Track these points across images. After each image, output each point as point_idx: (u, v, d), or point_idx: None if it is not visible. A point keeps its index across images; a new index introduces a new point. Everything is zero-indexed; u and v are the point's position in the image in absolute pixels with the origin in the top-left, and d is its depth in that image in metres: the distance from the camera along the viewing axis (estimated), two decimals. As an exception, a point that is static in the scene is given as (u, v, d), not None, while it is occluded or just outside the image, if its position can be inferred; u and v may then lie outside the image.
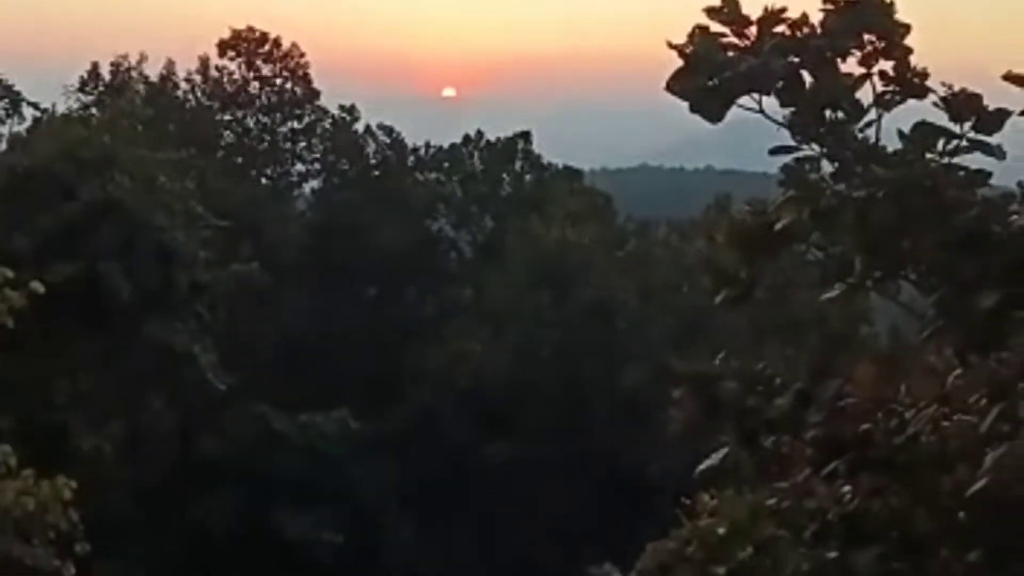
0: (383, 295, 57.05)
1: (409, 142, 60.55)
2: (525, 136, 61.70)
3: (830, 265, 6.08)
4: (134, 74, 55.62)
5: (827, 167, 5.74)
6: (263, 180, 59.65)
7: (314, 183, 60.76)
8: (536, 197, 58.10)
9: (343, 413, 44.57)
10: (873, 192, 5.53)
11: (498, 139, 61.64)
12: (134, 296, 32.61)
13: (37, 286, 14.45)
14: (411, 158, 60.54)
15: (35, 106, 47.85)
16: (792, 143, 5.68)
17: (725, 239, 6.37)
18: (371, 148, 59.70)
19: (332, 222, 56.06)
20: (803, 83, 5.51)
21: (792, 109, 5.58)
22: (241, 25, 58.99)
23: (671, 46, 5.39)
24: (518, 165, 61.83)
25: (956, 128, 5.52)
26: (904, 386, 6.51)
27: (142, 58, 56.01)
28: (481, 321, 52.89)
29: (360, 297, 56.62)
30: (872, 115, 5.60)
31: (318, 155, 60.07)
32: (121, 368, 34.03)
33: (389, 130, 60.04)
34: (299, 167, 60.57)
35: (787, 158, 5.75)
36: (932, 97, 5.57)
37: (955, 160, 5.56)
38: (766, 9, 5.42)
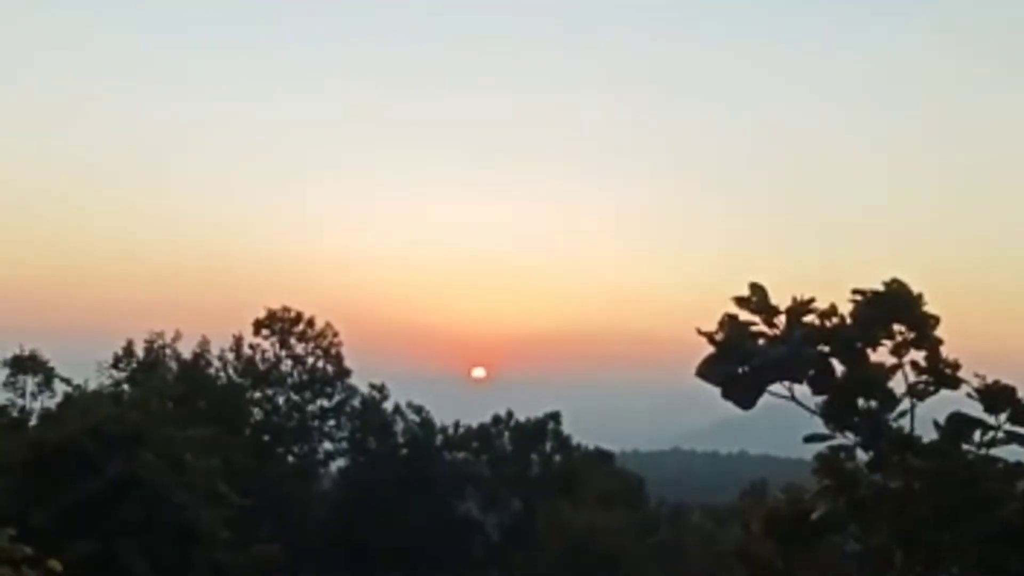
0: (407, 579, 55.73)
1: (438, 421, 60.80)
2: (555, 417, 61.83)
3: (869, 557, 5.90)
4: (168, 351, 56.78)
5: (862, 455, 5.66)
6: (290, 458, 59.63)
7: (341, 461, 60.68)
8: (566, 479, 57.59)
9: None
10: (910, 483, 5.44)
11: (528, 419, 61.74)
12: (152, 575, 31.96)
13: (55, 565, 14.17)
14: (439, 437, 60.58)
15: (67, 382, 48.68)
16: (826, 431, 5.63)
17: (761, 528, 6.23)
18: (400, 427, 59.91)
19: (357, 502, 55.53)
20: (834, 372, 5.50)
21: (824, 397, 5.54)
22: (276, 304, 60.60)
23: (701, 333, 5.43)
24: (548, 446, 61.67)
25: (991, 419, 5.47)
26: None
27: (177, 335, 57.41)
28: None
29: (383, 579, 55.31)
30: (905, 404, 5.56)
31: (346, 433, 60.28)
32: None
33: (419, 409, 60.42)
34: (327, 445, 60.69)
35: (821, 445, 5.68)
36: (966, 387, 5.54)
37: (991, 451, 5.48)
38: (794, 299, 5.49)
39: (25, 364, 51.04)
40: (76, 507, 31.59)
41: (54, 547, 14.65)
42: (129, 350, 56.18)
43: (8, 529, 14.09)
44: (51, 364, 51.38)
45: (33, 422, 46.73)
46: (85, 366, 51.15)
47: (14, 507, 28.04)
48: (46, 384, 50.87)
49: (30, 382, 51.04)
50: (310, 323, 60.28)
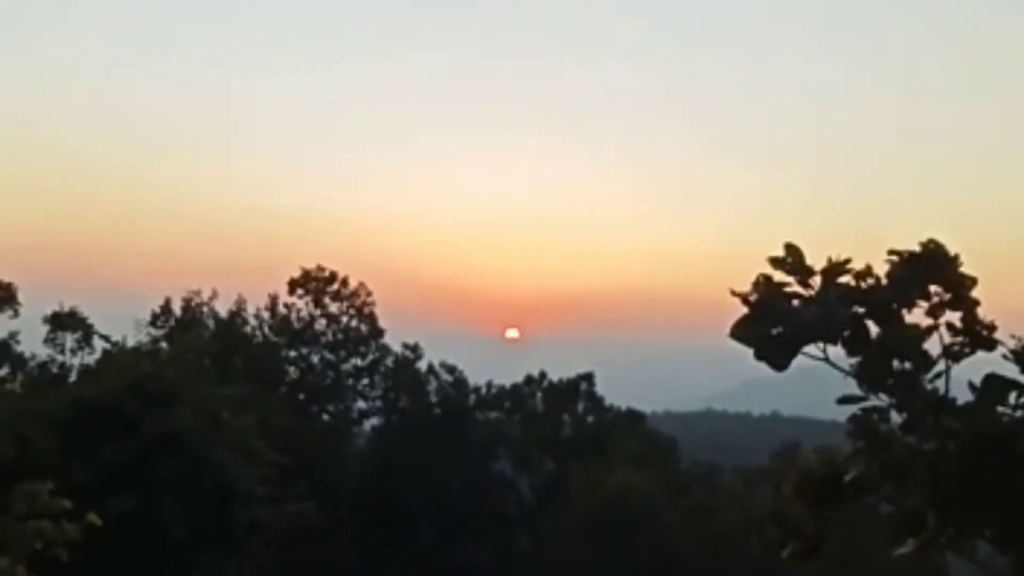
0: (440, 537, 56.12)
1: (472, 381, 61.00)
2: (588, 378, 61.90)
3: (902, 519, 5.87)
4: (205, 309, 57.22)
5: (896, 417, 5.63)
6: (325, 416, 60.08)
7: (375, 420, 61.06)
8: (598, 439, 57.67)
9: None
10: (945, 445, 5.40)
11: (560, 380, 61.83)
12: (189, 532, 32.36)
13: (94, 519, 14.42)
14: (472, 397, 60.80)
15: (106, 339, 49.24)
16: (859, 392, 5.60)
17: (793, 489, 6.21)
18: (433, 386, 60.17)
19: (390, 461, 55.91)
20: (869, 333, 5.47)
21: (859, 359, 5.51)
22: (311, 263, 60.90)
23: (734, 294, 5.40)
24: (580, 406, 61.77)
25: (1027, 381, 5.43)
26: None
27: (213, 294, 57.85)
28: (540, 567, 51.58)
29: (416, 538, 55.72)
30: (941, 366, 5.52)
31: (380, 393, 60.60)
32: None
33: (451, 369, 60.64)
34: (361, 404, 61.07)
35: (855, 407, 5.65)
36: (1002, 349, 5.49)
37: (1028, 413, 5.44)
38: (830, 260, 5.44)
39: (65, 321, 51.62)
40: (115, 463, 32.01)
41: (93, 502, 14.89)
42: (167, 308, 56.66)
43: (48, 483, 14.34)
44: (90, 321, 51.98)
45: (72, 378, 47.33)
46: (123, 324, 51.75)
47: (55, 462, 28.47)
48: (85, 341, 51.47)
49: (69, 339, 51.65)
50: (344, 283, 60.56)
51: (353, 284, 60.70)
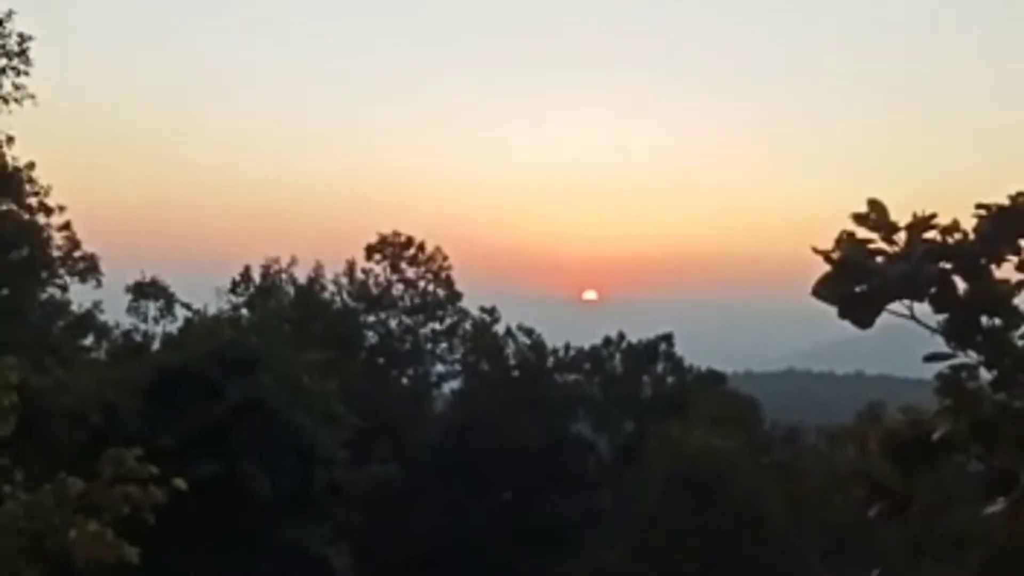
0: (520, 498, 56.45)
1: (550, 344, 61.07)
2: (667, 339, 61.63)
3: (992, 477, 5.77)
4: (283, 276, 57.91)
5: (985, 375, 5.50)
6: (404, 380, 60.63)
7: (454, 384, 61.47)
8: (678, 400, 57.45)
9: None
10: (1035, 402, 5.27)
11: (639, 341, 61.64)
12: (273, 495, 32.89)
13: (180, 483, 14.67)
14: (551, 359, 60.89)
15: (187, 307, 50.05)
16: (947, 350, 5.47)
17: (879, 448, 6.12)
18: (511, 349, 60.34)
19: (470, 423, 56.25)
20: (956, 289, 5.33)
21: (946, 315, 5.38)
22: (387, 229, 61.28)
23: (817, 251, 5.29)
24: (660, 368, 61.58)
25: (1120, 335, 5.27)
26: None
27: (292, 261, 58.55)
28: (620, 528, 51.67)
29: (497, 500, 56.12)
30: (1031, 322, 5.37)
31: (458, 356, 60.97)
32: (257, 568, 34.09)
33: (529, 331, 60.74)
34: (439, 368, 61.56)
35: (942, 365, 5.53)
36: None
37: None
38: (915, 215, 5.30)
39: (147, 290, 52.53)
40: (200, 429, 32.59)
41: (179, 468, 15.16)
42: (246, 275, 57.48)
43: (136, 449, 14.62)
44: (172, 290, 52.86)
45: (155, 347, 48.20)
46: (204, 292, 52.59)
47: (141, 429, 29.08)
48: (167, 309, 52.36)
49: (152, 307, 52.57)
50: (421, 247, 60.88)
51: (430, 249, 61.04)
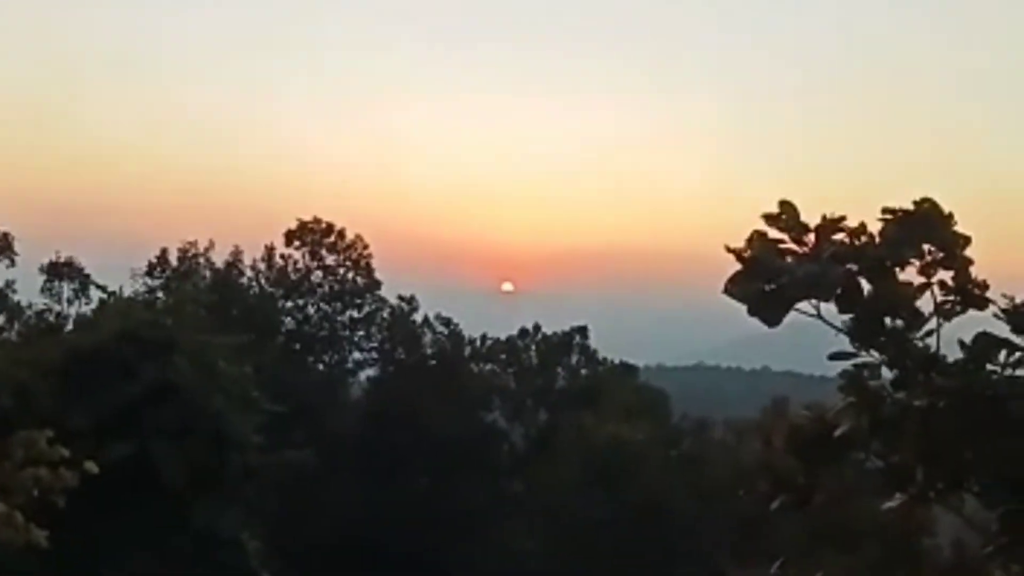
0: (435, 486, 56.51)
1: (467, 334, 61.20)
2: (581, 331, 62.13)
3: (891, 474, 5.97)
4: (201, 260, 57.20)
5: (887, 374, 5.70)
6: (321, 367, 60.28)
7: (371, 371, 61.31)
8: (591, 392, 57.97)
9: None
10: (934, 402, 5.47)
11: (555, 333, 62.04)
12: (186, 479, 32.54)
13: (91, 466, 14.54)
14: (468, 349, 61.02)
15: (102, 288, 49.26)
16: (851, 349, 5.66)
17: (783, 443, 6.30)
18: (428, 338, 60.35)
19: (387, 411, 56.14)
20: (862, 290, 5.52)
21: (851, 315, 5.57)
22: (308, 215, 60.81)
23: (729, 250, 5.44)
24: (574, 359, 62.07)
25: (1018, 340, 5.49)
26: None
27: (210, 244, 57.83)
28: (532, 515, 52.06)
29: (412, 487, 56.10)
30: (932, 324, 5.58)
31: (376, 344, 60.78)
32: (168, 550, 33.75)
33: (447, 321, 60.80)
34: (356, 355, 61.31)
35: (846, 363, 5.71)
36: (993, 308, 5.55)
37: (1017, 372, 5.50)
38: (824, 217, 5.48)
39: (61, 270, 51.64)
40: (112, 411, 32.05)
41: (91, 450, 15.01)
42: (163, 258, 56.66)
43: (46, 431, 14.45)
44: (87, 271, 51.98)
45: (69, 328, 47.38)
46: (120, 273, 51.73)
47: (52, 410, 28.52)
48: (82, 291, 51.53)
49: (66, 288, 51.71)
50: (341, 235, 60.52)
51: (349, 236, 60.71)
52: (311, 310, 60.30)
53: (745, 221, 5.54)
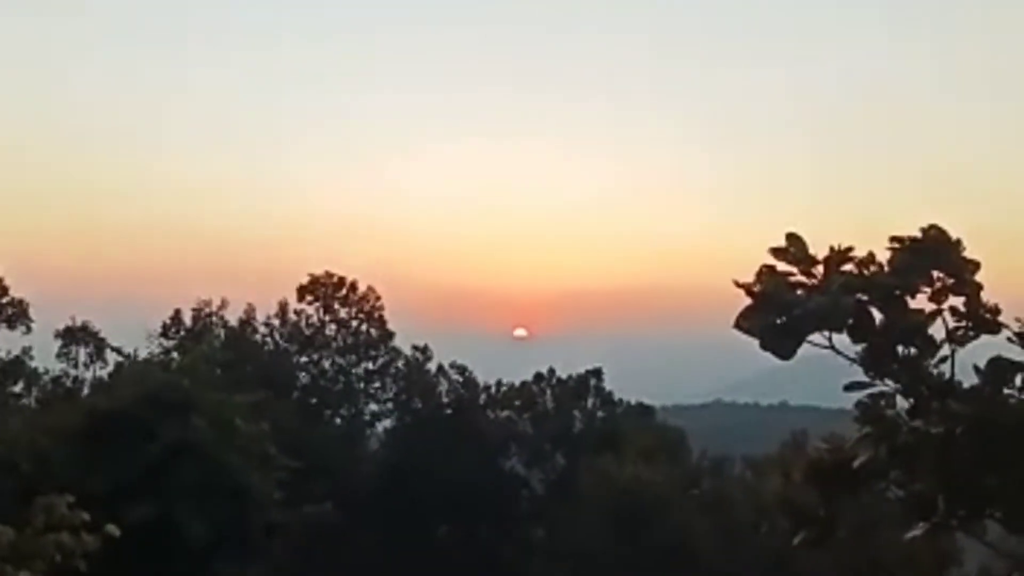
0: (455, 534, 56.27)
1: (481, 380, 61.09)
2: (596, 373, 61.96)
3: (911, 503, 5.94)
4: (215, 319, 57.36)
5: (903, 403, 5.69)
6: (337, 420, 60.22)
7: (387, 422, 61.20)
8: (608, 434, 57.69)
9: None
10: (951, 428, 5.45)
11: (570, 376, 61.90)
12: (208, 537, 32.48)
13: (112, 529, 14.53)
14: (483, 396, 60.90)
15: (118, 351, 49.45)
16: (866, 379, 5.65)
17: (802, 477, 6.28)
18: (443, 387, 60.28)
19: (404, 461, 56.00)
20: (873, 320, 5.52)
21: (864, 345, 5.56)
22: (319, 270, 61.01)
23: (739, 285, 5.44)
24: (590, 402, 61.86)
25: (1033, 363, 5.48)
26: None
27: (223, 303, 58.00)
28: (555, 561, 51.68)
29: (432, 535, 55.88)
30: (945, 351, 5.57)
31: (391, 395, 60.73)
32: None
33: (462, 369, 60.72)
34: (373, 407, 61.24)
35: (862, 393, 5.70)
36: (1007, 332, 5.54)
37: (1034, 396, 5.49)
38: (832, 248, 5.49)
39: (77, 335, 51.86)
40: (132, 473, 32.09)
41: (112, 513, 15.01)
42: (177, 319, 56.84)
43: (67, 496, 14.45)
44: (102, 334, 52.18)
45: (86, 391, 47.50)
46: (135, 336, 51.92)
47: (72, 475, 28.52)
48: (98, 354, 51.72)
49: (82, 352, 51.87)
50: (353, 287, 60.67)
51: (361, 288, 60.86)
52: (326, 364, 60.34)
53: (753, 256, 5.56)
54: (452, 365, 60.80)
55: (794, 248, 5.51)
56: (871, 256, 5.54)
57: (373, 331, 60.70)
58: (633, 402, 62.87)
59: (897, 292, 5.51)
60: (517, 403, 61.47)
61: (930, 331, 5.59)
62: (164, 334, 55.65)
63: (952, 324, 5.55)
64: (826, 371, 5.87)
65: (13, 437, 33.31)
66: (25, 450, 32.61)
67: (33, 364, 49.64)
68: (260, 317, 59.58)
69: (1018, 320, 5.57)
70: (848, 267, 5.51)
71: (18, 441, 33.19)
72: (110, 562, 15.62)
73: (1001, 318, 5.57)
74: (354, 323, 60.59)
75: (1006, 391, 5.53)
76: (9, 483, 30.07)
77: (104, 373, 49.80)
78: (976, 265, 5.57)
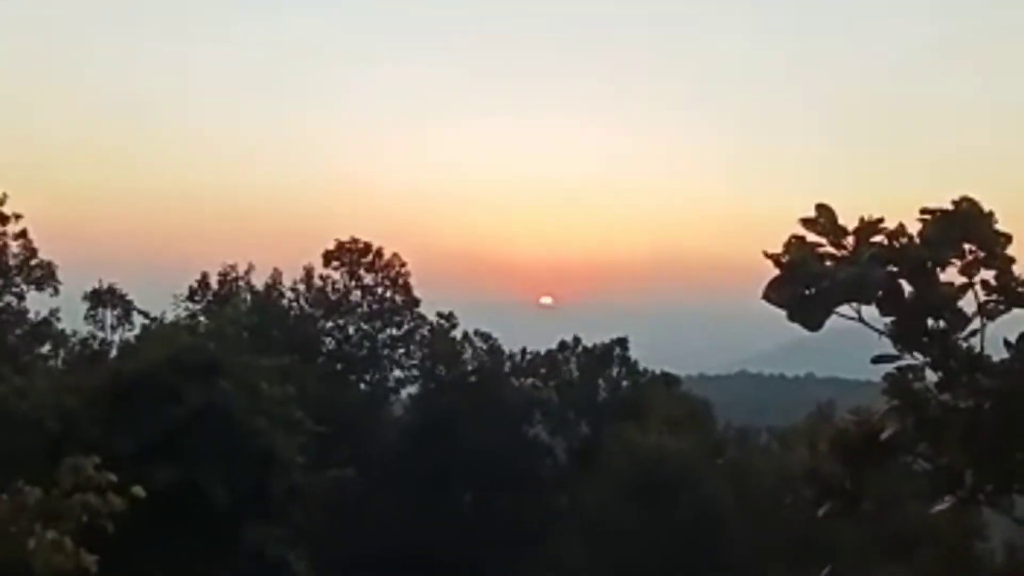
0: (479, 501, 56.50)
1: (507, 348, 61.18)
2: (621, 342, 61.90)
3: (939, 477, 5.89)
4: (241, 283, 57.61)
5: (931, 376, 5.63)
6: (362, 386, 60.48)
7: (412, 388, 61.42)
8: (633, 403, 57.73)
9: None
10: (980, 402, 5.40)
11: (595, 345, 61.87)
12: (232, 500, 32.74)
13: (138, 491, 14.60)
14: (508, 364, 60.98)
15: (145, 314, 49.72)
16: (894, 352, 5.59)
17: (828, 448, 6.25)
18: (468, 354, 60.38)
19: (428, 427, 56.21)
20: (903, 292, 5.45)
21: (893, 318, 5.50)
22: (345, 236, 61.12)
23: (767, 255, 5.38)
24: (615, 371, 61.86)
25: (1064, 338, 5.41)
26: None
27: (250, 268, 58.25)
28: (579, 529, 51.87)
29: (456, 502, 56.14)
30: (976, 324, 5.50)
31: (416, 361, 60.92)
32: (216, 571, 33.94)
33: (486, 336, 60.82)
34: (397, 373, 61.48)
35: (890, 366, 5.65)
36: (1037, 306, 5.47)
37: (1064, 370, 5.42)
38: (862, 219, 5.41)
39: (104, 298, 52.17)
40: (157, 435, 32.36)
41: (137, 474, 15.10)
42: (204, 283, 57.13)
43: (93, 457, 14.54)
44: (129, 297, 52.49)
45: (113, 354, 47.83)
46: (162, 299, 52.17)
47: (98, 436, 28.83)
48: (125, 317, 52.04)
49: (109, 315, 52.21)
50: (379, 253, 60.76)
51: (387, 255, 60.95)
52: (351, 330, 60.57)
53: (782, 226, 5.49)
54: (477, 332, 60.94)
55: (824, 219, 5.43)
56: (901, 228, 5.45)
57: (398, 297, 60.85)
58: (658, 371, 62.82)
59: (928, 264, 5.43)
60: (542, 371, 61.56)
61: (960, 304, 5.52)
62: (191, 297, 55.96)
63: (983, 297, 5.48)
64: (853, 343, 5.81)
65: (41, 397, 33.59)
66: (53, 411, 32.89)
67: (61, 326, 49.97)
68: (286, 282, 59.88)
69: (1050, 294, 5.48)
70: (878, 238, 5.42)
71: (46, 401, 33.47)
72: (136, 523, 15.74)
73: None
74: (379, 289, 60.76)
75: (1036, 366, 5.47)
76: (37, 442, 30.39)
77: (131, 336, 50.11)
78: (1008, 238, 5.48)
